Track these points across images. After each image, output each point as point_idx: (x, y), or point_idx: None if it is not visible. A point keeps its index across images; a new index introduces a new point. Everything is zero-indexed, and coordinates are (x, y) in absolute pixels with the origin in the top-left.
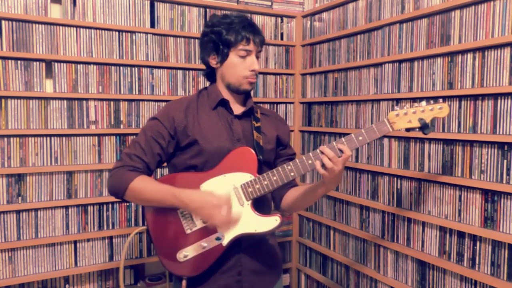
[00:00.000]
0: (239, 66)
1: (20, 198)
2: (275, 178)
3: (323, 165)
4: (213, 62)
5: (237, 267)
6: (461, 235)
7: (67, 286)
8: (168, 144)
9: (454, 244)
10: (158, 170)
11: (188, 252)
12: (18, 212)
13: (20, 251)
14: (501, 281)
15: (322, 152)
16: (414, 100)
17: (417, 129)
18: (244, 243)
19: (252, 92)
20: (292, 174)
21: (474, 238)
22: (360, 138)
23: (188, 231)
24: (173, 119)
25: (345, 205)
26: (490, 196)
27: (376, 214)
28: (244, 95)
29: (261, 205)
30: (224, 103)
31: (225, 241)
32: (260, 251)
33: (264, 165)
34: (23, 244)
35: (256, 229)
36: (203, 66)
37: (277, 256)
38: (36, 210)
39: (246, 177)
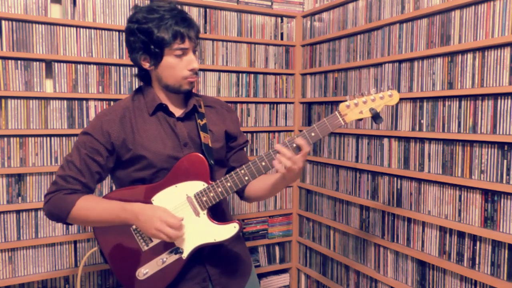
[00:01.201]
0: (176, 67)
1: (20, 198)
2: (229, 184)
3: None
4: (145, 64)
5: (201, 273)
6: (461, 235)
7: (67, 286)
8: (107, 160)
9: (454, 244)
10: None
11: (147, 269)
12: (18, 212)
13: (20, 251)
14: (501, 281)
15: (278, 152)
16: (414, 100)
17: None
18: (206, 250)
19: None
20: (246, 178)
21: (474, 238)
22: (313, 134)
23: (145, 248)
24: (108, 134)
25: (345, 205)
26: (490, 196)
27: (376, 214)
28: (184, 94)
29: (218, 210)
30: (162, 108)
31: (184, 254)
32: (223, 254)
33: (217, 165)
34: (23, 244)
35: (215, 238)
36: (202, 66)
37: (241, 254)
38: (36, 210)
39: (198, 185)
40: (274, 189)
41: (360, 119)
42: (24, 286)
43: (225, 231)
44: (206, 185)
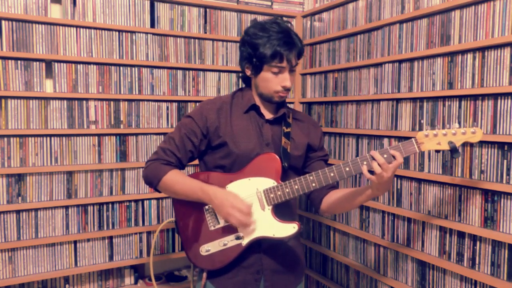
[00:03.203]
0: (271, 81)
1: (20, 198)
2: (296, 187)
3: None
4: (248, 71)
5: (256, 265)
6: (461, 235)
7: (67, 286)
8: (200, 142)
9: (454, 244)
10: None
11: (210, 247)
12: (18, 212)
13: (20, 251)
14: (501, 281)
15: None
16: (414, 100)
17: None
18: (264, 244)
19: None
20: (314, 184)
21: (474, 238)
22: (385, 156)
23: (212, 228)
24: (206, 119)
25: None
26: (490, 196)
27: (376, 214)
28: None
29: (284, 211)
30: (255, 108)
31: (244, 241)
32: (280, 252)
33: (291, 170)
34: (23, 244)
35: (274, 233)
36: (202, 66)
37: (298, 258)
38: (36, 210)
39: (269, 182)
40: (356, 200)
41: (438, 151)
42: (24, 286)
43: (285, 229)
44: (275, 183)
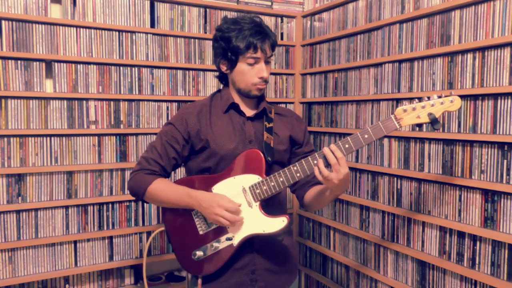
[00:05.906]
0: (247, 73)
1: (20, 198)
2: (281, 179)
3: (327, 166)
4: (223, 67)
5: (250, 266)
6: (461, 235)
7: (67, 286)
8: (183, 148)
9: (454, 244)
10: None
11: (201, 252)
12: (18, 212)
13: (20, 251)
14: (501, 281)
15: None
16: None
17: (427, 124)
18: (257, 243)
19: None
20: (298, 174)
21: (474, 238)
22: (366, 136)
23: (201, 232)
24: (186, 123)
25: (345, 205)
26: (490, 196)
27: (376, 214)
28: (256, 98)
29: (272, 206)
30: (235, 106)
31: (235, 242)
32: (274, 251)
33: (277, 165)
34: (23, 244)
35: (264, 229)
36: (202, 66)
37: (292, 256)
38: (36, 210)
39: (254, 178)
40: (322, 199)
41: (418, 124)
42: (24, 286)
43: (274, 224)
44: (260, 178)
